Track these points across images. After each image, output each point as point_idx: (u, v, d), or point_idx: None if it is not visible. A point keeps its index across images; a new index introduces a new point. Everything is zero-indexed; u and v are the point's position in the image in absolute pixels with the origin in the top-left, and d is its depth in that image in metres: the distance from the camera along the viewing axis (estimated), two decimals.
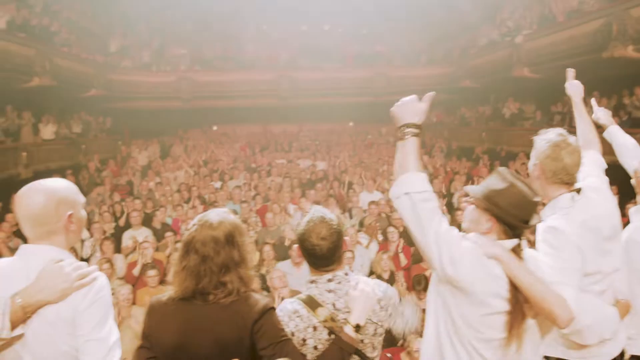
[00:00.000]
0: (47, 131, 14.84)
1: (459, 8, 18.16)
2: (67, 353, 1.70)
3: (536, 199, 1.95)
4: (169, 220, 8.87)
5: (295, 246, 6.19)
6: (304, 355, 1.91)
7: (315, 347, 1.95)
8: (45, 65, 13.75)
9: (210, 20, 21.39)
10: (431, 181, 10.08)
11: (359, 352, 1.96)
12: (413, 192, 1.91)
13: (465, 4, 17.65)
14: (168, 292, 1.96)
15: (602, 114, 3.19)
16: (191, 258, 1.87)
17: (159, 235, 7.93)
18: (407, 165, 1.97)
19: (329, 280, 2.05)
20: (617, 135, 3.12)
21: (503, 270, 1.87)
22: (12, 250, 7.31)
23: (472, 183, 10.41)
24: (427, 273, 5.87)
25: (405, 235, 7.09)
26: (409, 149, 1.99)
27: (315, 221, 2.06)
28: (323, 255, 2.03)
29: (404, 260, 6.87)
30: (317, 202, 9.28)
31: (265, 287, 5.43)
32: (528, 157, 2.46)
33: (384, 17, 20.51)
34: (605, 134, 3.16)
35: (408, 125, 1.99)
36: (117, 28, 20.69)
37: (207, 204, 9.61)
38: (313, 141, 18.55)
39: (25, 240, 6.05)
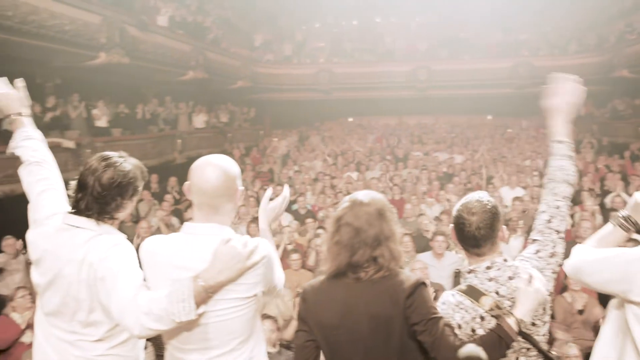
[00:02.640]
0: (199, 120, 16.05)
1: None
2: (247, 321, 1.83)
3: None
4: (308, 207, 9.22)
5: (438, 238, 6.13)
6: (456, 335, 1.88)
7: None
8: (199, 59, 14.88)
9: (350, 14, 21.67)
10: (580, 178, 9.36)
11: (527, 337, 1.89)
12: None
13: None
14: (319, 275, 2.01)
15: None
16: (343, 232, 1.88)
17: (300, 220, 8.25)
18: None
19: (488, 268, 1.99)
20: None
21: None
22: (170, 228, 8.04)
23: (627, 184, 9.51)
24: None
25: None
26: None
27: (470, 198, 2.04)
28: (472, 234, 1.97)
29: None
30: (455, 195, 9.08)
31: None
32: None
33: (528, 3, 19.33)
34: None
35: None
36: (261, 23, 21.76)
37: (345, 194, 9.82)
38: (449, 134, 18.09)
39: (181, 220, 6.58)
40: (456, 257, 6.05)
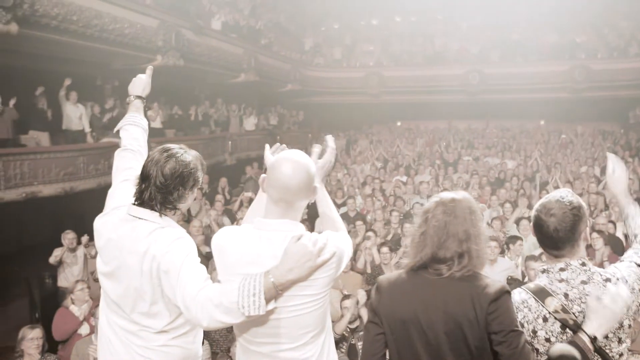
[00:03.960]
0: (249, 123, 16.31)
1: None
2: (320, 315, 1.83)
3: None
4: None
5: (490, 244, 6.00)
6: (535, 350, 1.84)
7: (548, 340, 1.85)
8: (251, 62, 15.11)
9: (400, 15, 21.55)
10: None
11: (599, 351, 1.79)
12: None
13: None
14: (398, 270, 1.99)
15: None
16: (431, 225, 1.85)
17: (349, 222, 8.25)
18: None
19: (561, 270, 1.91)
20: None
21: None
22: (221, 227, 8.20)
23: None
24: None
25: (612, 242, 6.46)
26: None
27: (550, 198, 1.96)
28: (550, 234, 1.90)
29: None
30: (507, 202, 8.89)
31: None
32: None
33: (586, 3, 18.67)
34: None
35: None
36: (311, 27, 21.92)
37: (394, 198, 9.77)
38: (500, 139, 17.71)
39: (232, 220, 6.61)
40: (509, 264, 5.92)
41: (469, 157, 14.58)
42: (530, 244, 6.57)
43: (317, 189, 1.89)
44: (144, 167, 1.99)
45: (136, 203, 1.99)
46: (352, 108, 20.56)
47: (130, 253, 1.94)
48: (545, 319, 1.86)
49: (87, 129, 10.20)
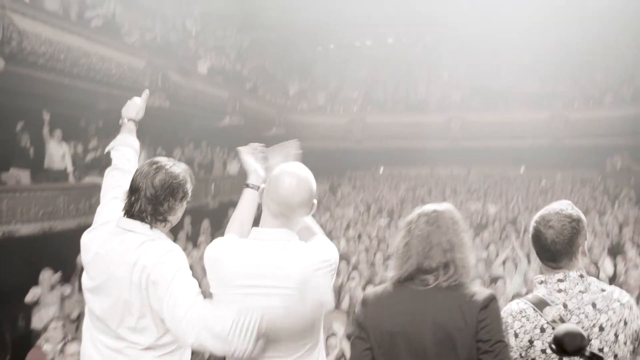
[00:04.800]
0: (233, 166, 16.28)
1: None
2: (315, 326, 1.83)
3: None
4: None
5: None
6: None
7: (544, 351, 1.82)
8: (236, 106, 15.25)
9: (383, 64, 22.05)
10: (620, 230, 9.15)
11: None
12: None
13: None
14: (383, 284, 1.95)
15: None
16: (414, 235, 1.84)
17: None
18: None
19: (560, 280, 1.90)
20: None
21: None
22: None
23: None
24: None
25: None
26: None
27: (550, 210, 1.95)
28: (547, 246, 1.90)
29: None
30: (491, 243, 8.92)
31: None
32: None
33: (564, 55, 19.37)
34: None
35: None
36: (296, 72, 22.30)
37: (377, 241, 9.76)
38: (482, 185, 17.92)
39: None
40: None
41: (451, 202, 14.66)
42: (516, 284, 6.57)
43: (314, 205, 1.88)
44: (133, 180, 1.98)
45: (126, 215, 1.97)
46: (336, 153, 20.68)
47: (120, 264, 1.90)
48: (542, 330, 1.84)
49: (70, 169, 10.09)
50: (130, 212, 1.96)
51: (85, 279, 2.05)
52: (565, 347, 1.48)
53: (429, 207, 1.92)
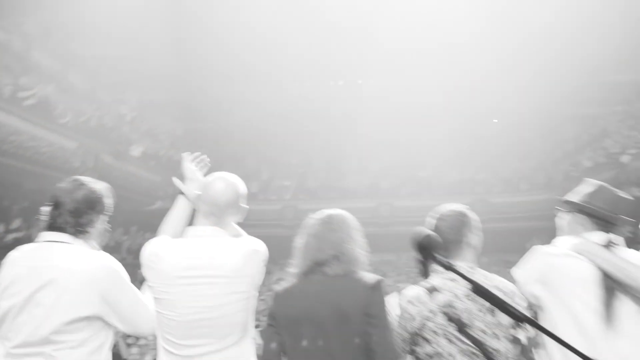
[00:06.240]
0: None
1: (562, 136, 18.25)
2: (243, 317, 2.10)
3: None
4: None
5: None
6: (425, 339, 2.03)
7: (435, 332, 2.03)
8: (167, 190, 15.18)
9: (315, 154, 22.84)
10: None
11: (476, 342, 1.97)
12: None
13: (567, 132, 17.74)
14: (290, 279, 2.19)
15: None
16: (310, 235, 2.15)
17: None
18: None
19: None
20: None
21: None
22: None
23: None
24: None
25: None
26: None
27: (444, 207, 2.38)
28: (440, 236, 2.09)
29: None
30: None
31: None
32: None
33: (484, 146, 20.89)
34: None
35: None
36: (229, 162, 22.60)
37: None
38: (412, 269, 18.27)
39: None
40: None
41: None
42: None
43: (244, 209, 2.14)
44: (54, 196, 2.10)
45: (49, 229, 2.07)
46: (269, 240, 20.49)
47: (48, 270, 1.95)
48: (434, 312, 2.06)
49: None
50: (54, 225, 2.07)
51: (3, 304, 1.99)
52: (420, 243, 1.78)
53: (324, 212, 2.25)
